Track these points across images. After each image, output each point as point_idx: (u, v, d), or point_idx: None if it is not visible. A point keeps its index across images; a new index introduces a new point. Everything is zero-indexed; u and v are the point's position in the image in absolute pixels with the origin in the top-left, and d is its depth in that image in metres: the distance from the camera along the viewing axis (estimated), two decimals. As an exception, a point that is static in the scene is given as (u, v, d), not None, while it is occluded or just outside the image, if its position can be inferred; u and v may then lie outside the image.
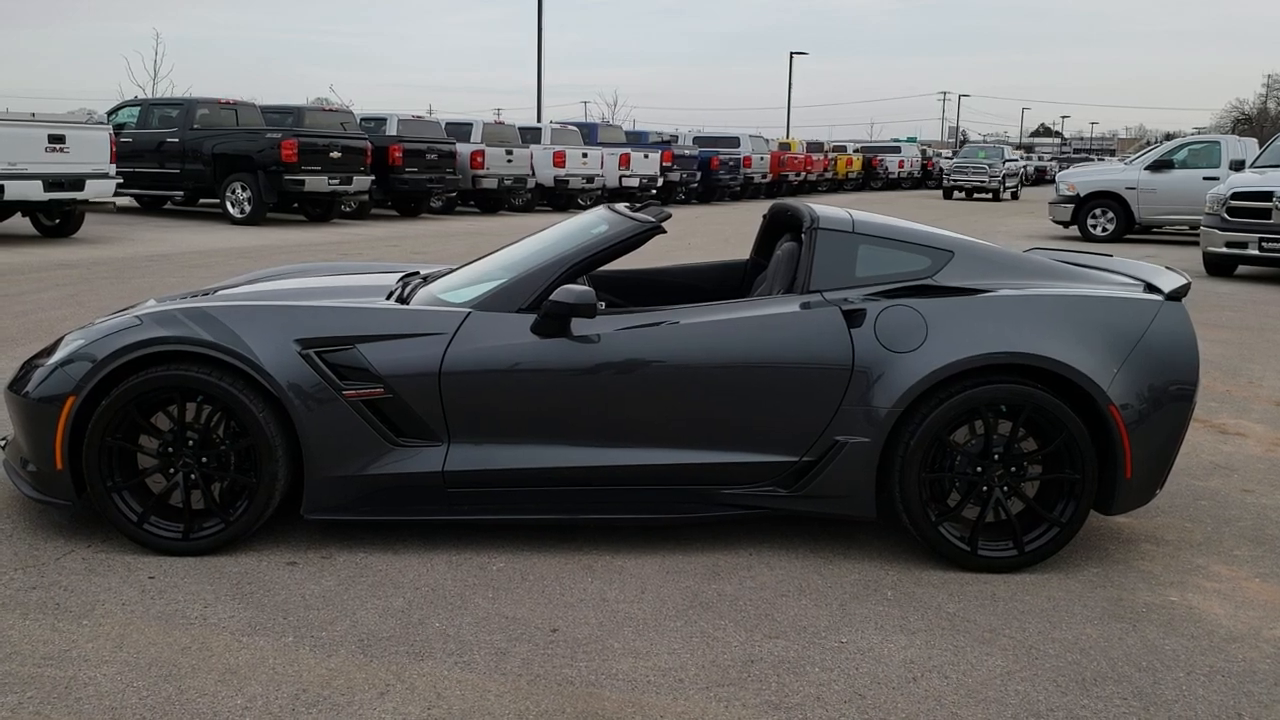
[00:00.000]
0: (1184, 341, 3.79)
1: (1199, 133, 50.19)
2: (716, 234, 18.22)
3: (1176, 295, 3.89)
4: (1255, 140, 19.81)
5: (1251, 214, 12.87)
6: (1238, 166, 14.71)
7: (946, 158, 42.32)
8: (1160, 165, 18.43)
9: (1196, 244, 14.71)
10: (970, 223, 22.69)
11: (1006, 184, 36.05)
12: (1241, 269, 13.77)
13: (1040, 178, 56.69)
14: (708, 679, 2.94)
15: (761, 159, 32.35)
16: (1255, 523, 4.34)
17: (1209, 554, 3.99)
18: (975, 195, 36.06)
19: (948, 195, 36.49)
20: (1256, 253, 12.83)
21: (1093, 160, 52.73)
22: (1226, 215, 13.08)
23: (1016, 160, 40.07)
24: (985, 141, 38.41)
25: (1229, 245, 13.08)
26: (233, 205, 17.10)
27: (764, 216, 4.92)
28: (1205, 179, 17.25)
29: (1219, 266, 13.57)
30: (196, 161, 17.12)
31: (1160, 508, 4.45)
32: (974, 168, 35.58)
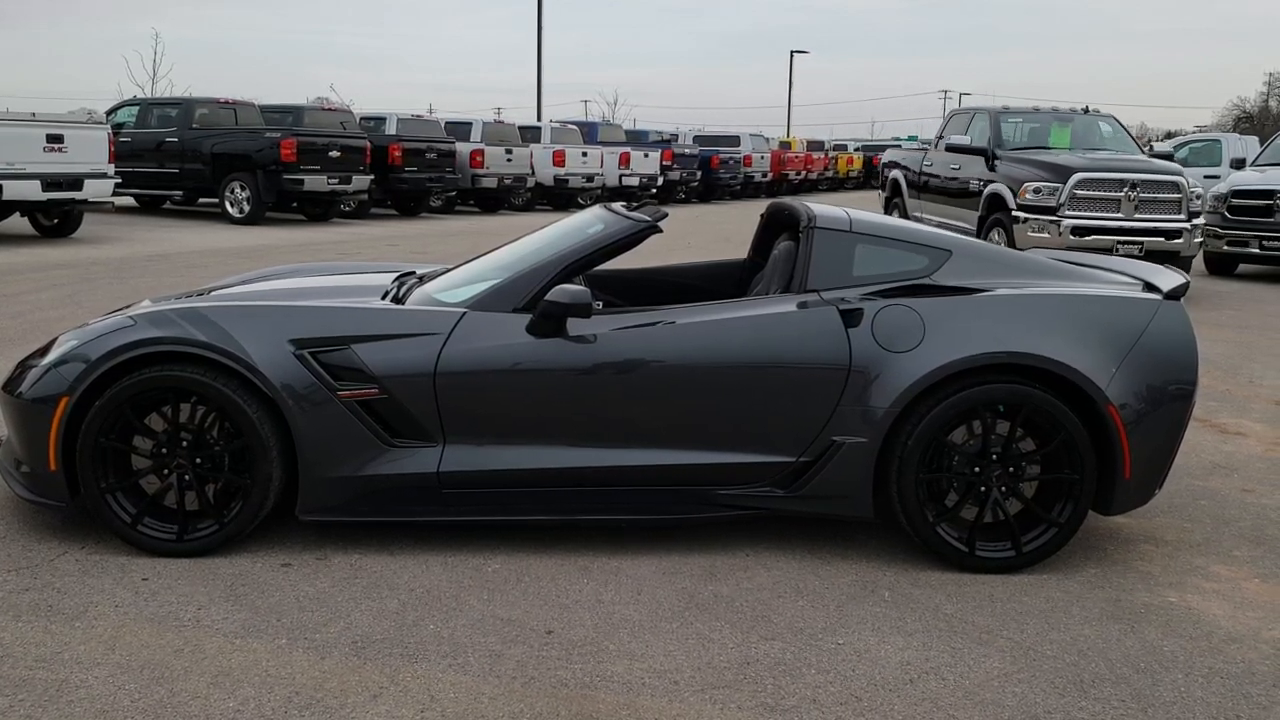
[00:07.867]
0: (1183, 340, 3.78)
1: (1200, 131, 50.09)
2: (716, 233, 18.19)
3: (1175, 294, 3.87)
4: (1256, 138, 19.78)
5: (1252, 212, 12.85)
6: (1239, 165, 14.66)
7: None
8: (1161, 164, 18.37)
9: (1197, 242, 14.68)
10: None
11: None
12: (1242, 268, 13.75)
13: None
14: (703, 681, 2.93)
15: (762, 158, 32.30)
16: (1255, 523, 4.32)
17: (1208, 554, 3.97)
18: None
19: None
20: (1257, 251, 12.81)
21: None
22: (1227, 214, 13.06)
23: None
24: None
25: (1230, 244, 13.06)
26: (232, 205, 17.08)
27: (762, 215, 4.90)
28: (1206, 177, 17.20)
29: (1220, 265, 13.55)
30: (195, 161, 17.09)
31: (1159, 508, 4.43)
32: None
